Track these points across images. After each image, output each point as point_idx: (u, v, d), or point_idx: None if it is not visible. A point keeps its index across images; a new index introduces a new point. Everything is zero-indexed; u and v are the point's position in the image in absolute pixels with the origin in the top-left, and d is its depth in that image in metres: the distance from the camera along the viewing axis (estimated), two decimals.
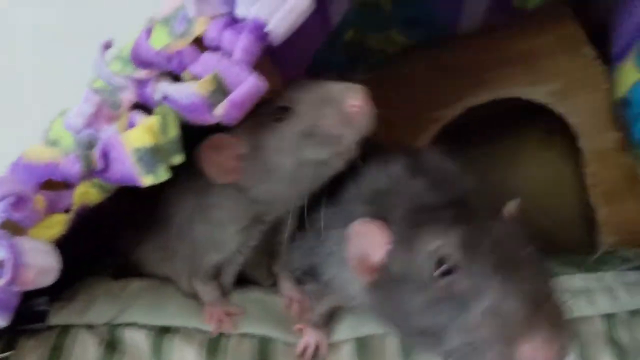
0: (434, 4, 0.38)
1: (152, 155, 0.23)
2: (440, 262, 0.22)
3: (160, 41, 0.24)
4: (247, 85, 0.23)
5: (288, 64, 0.32)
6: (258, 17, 0.22)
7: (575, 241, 0.44)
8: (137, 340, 0.28)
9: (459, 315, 0.21)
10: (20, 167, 0.24)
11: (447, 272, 0.21)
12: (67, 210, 0.24)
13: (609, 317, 0.32)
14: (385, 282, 0.23)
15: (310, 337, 0.29)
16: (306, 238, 0.28)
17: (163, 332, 0.28)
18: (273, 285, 0.32)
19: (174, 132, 0.23)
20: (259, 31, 0.23)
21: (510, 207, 0.26)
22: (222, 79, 0.23)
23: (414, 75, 0.44)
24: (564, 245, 0.45)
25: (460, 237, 0.22)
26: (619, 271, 0.33)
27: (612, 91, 0.38)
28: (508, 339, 0.20)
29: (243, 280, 0.33)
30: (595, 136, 0.41)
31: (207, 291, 0.30)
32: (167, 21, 0.24)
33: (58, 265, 0.22)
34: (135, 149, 0.23)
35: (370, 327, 0.30)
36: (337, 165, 0.26)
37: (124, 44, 0.25)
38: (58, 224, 0.23)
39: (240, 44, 0.23)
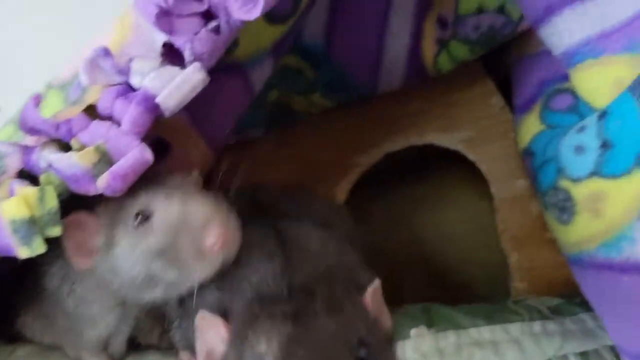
0: (351, 73, 0.39)
1: (28, 227, 0.22)
2: None
3: (53, 108, 0.24)
4: (132, 157, 0.22)
5: (212, 130, 0.33)
6: (148, 88, 0.22)
7: (494, 285, 0.44)
8: None
9: None
10: None
11: None
12: None
13: None
14: None
15: None
16: (184, 318, 0.27)
17: None
18: (170, 347, 0.30)
19: (52, 203, 0.22)
20: (149, 102, 0.22)
21: (369, 294, 0.26)
22: (107, 149, 0.23)
23: (333, 123, 0.45)
24: (484, 289, 0.46)
25: (282, 340, 0.22)
26: (525, 322, 0.34)
27: (516, 141, 0.39)
28: None
29: (138, 344, 0.30)
30: (504, 183, 0.42)
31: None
32: (63, 87, 0.24)
33: None
34: (11, 221, 0.22)
35: None
36: (187, 286, 0.25)
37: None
38: None
39: (129, 115, 0.22)
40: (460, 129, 0.43)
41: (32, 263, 0.24)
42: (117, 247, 0.25)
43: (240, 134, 0.44)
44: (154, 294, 0.26)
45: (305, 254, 0.27)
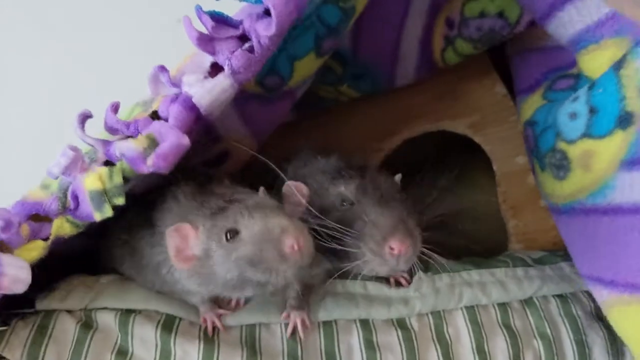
0: (374, 67, 0.46)
1: (100, 197, 0.29)
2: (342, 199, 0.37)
3: (132, 115, 0.31)
4: (171, 140, 0.29)
5: (264, 134, 0.42)
6: (188, 93, 0.30)
7: (499, 248, 0.50)
8: (107, 320, 0.34)
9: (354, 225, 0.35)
10: (19, 203, 0.31)
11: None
12: (46, 239, 0.30)
13: (502, 306, 0.39)
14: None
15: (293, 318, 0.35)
16: None
17: (128, 313, 0.34)
18: None
19: (118, 179, 0.30)
20: (188, 103, 0.29)
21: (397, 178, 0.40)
22: (155, 137, 0.29)
23: (358, 113, 0.52)
24: (491, 251, 0.51)
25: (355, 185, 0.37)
26: (509, 268, 0.40)
27: (519, 119, 0.45)
28: (381, 238, 0.34)
29: None
30: (505, 160, 0.48)
31: (201, 304, 0.36)
32: (145, 103, 0.32)
33: (29, 278, 0.28)
34: (89, 191, 0.29)
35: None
36: (277, 285, 0.31)
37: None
38: (37, 249, 0.30)
39: (172, 112, 0.29)
40: (468, 116, 0.50)
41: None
42: (213, 258, 0.31)
43: None
44: (244, 293, 0.33)
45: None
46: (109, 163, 0.31)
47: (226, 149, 0.41)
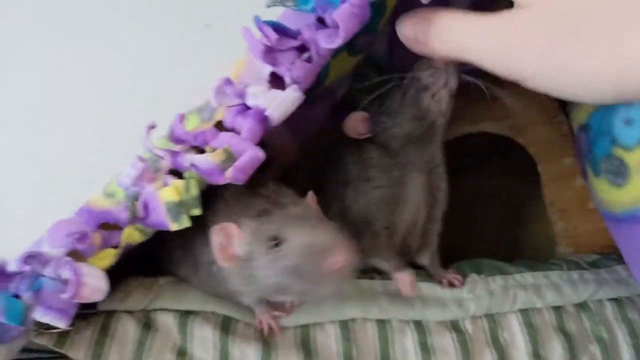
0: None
1: (177, 208, 0.30)
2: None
3: (192, 124, 0.32)
4: (249, 155, 0.30)
5: (306, 136, 0.43)
6: (259, 106, 0.30)
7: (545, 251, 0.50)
8: (166, 321, 0.34)
9: None
10: (85, 211, 0.32)
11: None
12: (115, 247, 0.31)
13: (556, 309, 0.38)
14: None
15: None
16: None
17: (187, 314, 0.34)
18: None
19: (194, 191, 0.30)
20: (260, 116, 0.30)
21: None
22: (231, 151, 0.30)
23: None
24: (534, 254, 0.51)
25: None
26: (564, 271, 0.40)
27: (570, 121, 0.45)
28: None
29: None
30: (550, 162, 0.48)
31: (256, 305, 0.36)
32: (200, 110, 0.32)
33: (107, 287, 0.29)
34: (166, 202, 0.30)
35: None
36: (316, 297, 0.32)
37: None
38: (109, 257, 0.31)
39: (246, 126, 0.30)
40: (510, 117, 0.49)
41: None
42: (256, 262, 0.31)
43: None
44: (285, 298, 0.34)
45: None
46: (174, 172, 0.31)
47: (271, 155, 0.42)
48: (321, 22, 0.30)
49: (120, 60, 0.56)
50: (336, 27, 0.28)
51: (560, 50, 0.24)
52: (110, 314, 0.34)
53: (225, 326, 0.35)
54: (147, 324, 0.34)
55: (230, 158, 0.30)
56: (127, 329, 0.33)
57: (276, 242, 0.30)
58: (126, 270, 0.37)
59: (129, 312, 0.35)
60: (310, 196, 0.34)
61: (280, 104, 0.30)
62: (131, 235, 0.31)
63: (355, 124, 0.40)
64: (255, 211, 0.32)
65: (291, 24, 0.30)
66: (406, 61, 0.46)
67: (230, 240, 0.31)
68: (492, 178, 0.54)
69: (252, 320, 0.35)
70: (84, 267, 0.29)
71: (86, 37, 0.56)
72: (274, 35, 0.29)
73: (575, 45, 0.24)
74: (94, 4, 0.57)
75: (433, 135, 0.39)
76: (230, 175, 0.29)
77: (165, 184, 0.31)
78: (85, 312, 0.34)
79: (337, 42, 0.29)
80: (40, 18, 0.56)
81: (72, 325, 0.33)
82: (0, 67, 0.55)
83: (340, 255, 0.29)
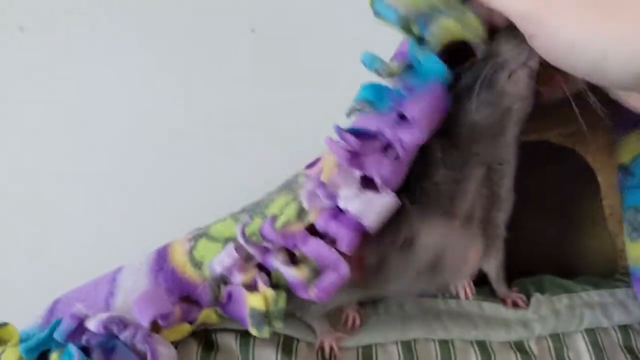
0: None
1: (261, 318, 0.30)
2: None
3: (285, 219, 0.31)
4: (330, 277, 0.29)
5: None
6: (355, 212, 0.29)
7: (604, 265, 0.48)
8: (228, 342, 0.34)
9: None
10: (170, 273, 0.32)
11: None
12: (191, 322, 0.32)
13: (623, 328, 0.37)
14: None
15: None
16: None
17: (247, 335, 0.34)
18: None
19: (282, 304, 0.30)
20: (354, 223, 0.29)
21: None
22: (316, 266, 0.30)
23: None
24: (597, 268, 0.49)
25: None
26: (630, 288, 0.38)
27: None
28: None
29: None
30: (609, 172, 0.46)
31: (318, 324, 0.36)
32: (288, 190, 0.32)
33: (176, 356, 0.30)
34: (251, 308, 0.30)
35: None
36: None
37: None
38: (183, 331, 0.31)
39: (346, 239, 0.29)
40: (568, 125, 0.48)
41: None
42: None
43: None
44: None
45: None
46: (262, 268, 0.31)
47: None
48: (402, 117, 0.29)
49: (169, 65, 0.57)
50: (417, 120, 0.28)
51: None
52: None
53: (288, 347, 0.35)
54: (209, 345, 0.34)
55: (314, 275, 0.29)
56: (189, 351, 0.33)
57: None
58: None
59: (192, 333, 0.35)
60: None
61: (375, 210, 0.29)
62: (209, 316, 0.31)
63: None
64: None
65: (371, 124, 0.30)
66: None
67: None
68: (546, 187, 0.52)
69: (314, 340, 0.35)
70: (158, 343, 0.29)
71: (136, 43, 0.57)
72: (356, 142, 0.29)
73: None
74: (141, 11, 0.58)
75: (507, 124, 0.33)
76: (313, 294, 0.29)
77: (254, 283, 0.31)
78: None
79: (419, 139, 0.28)
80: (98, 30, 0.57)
81: None
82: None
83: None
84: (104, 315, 0.29)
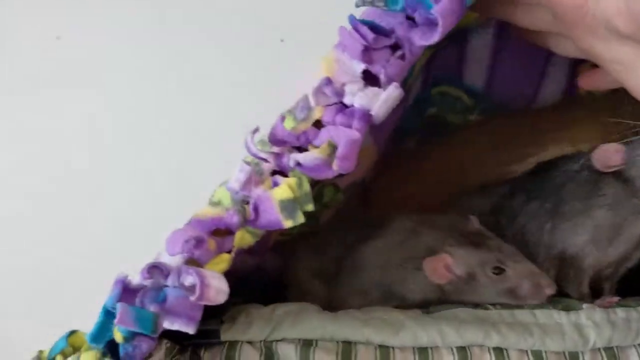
0: (508, 104, 0.48)
1: (292, 205, 0.31)
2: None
3: (288, 125, 0.33)
4: (344, 141, 0.30)
5: (383, 139, 0.43)
6: (361, 105, 0.30)
7: None
8: (288, 352, 0.35)
9: None
10: (195, 221, 0.33)
11: None
12: (229, 251, 0.32)
13: None
14: None
15: None
16: None
17: (308, 345, 0.35)
18: None
19: (306, 187, 0.31)
20: (367, 117, 0.31)
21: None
22: (334, 143, 0.31)
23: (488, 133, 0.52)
24: None
25: None
26: None
27: None
28: None
29: None
30: None
31: None
32: (291, 111, 0.33)
33: (228, 289, 0.30)
34: (280, 201, 0.31)
35: None
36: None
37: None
38: (224, 261, 0.31)
39: (354, 124, 0.30)
40: (581, 142, 0.47)
41: None
42: (477, 282, 0.38)
43: (397, 144, 0.51)
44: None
45: None
46: (277, 173, 0.33)
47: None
48: (413, 20, 0.30)
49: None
50: (430, 24, 0.29)
51: None
52: (232, 344, 0.35)
53: (346, 353, 0.35)
54: (269, 355, 0.35)
55: (334, 151, 0.30)
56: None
57: (499, 270, 0.38)
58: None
59: (250, 343, 0.35)
60: (474, 219, 0.40)
61: (384, 102, 0.30)
62: (243, 238, 0.32)
63: (608, 155, 0.38)
64: (460, 242, 0.39)
65: (382, 21, 0.31)
66: (505, 95, 0.46)
67: (441, 262, 0.38)
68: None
69: (368, 342, 0.35)
70: (206, 271, 0.30)
71: (171, 50, 0.59)
72: (370, 35, 0.30)
73: None
74: (172, 22, 0.60)
75: None
76: (337, 167, 0.30)
77: (275, 184, 0.32)
78: (210, 343, 0.35)
79: (434, 38, 0.29)
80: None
81: (197, 355, 0.34)
82: None
83: (547, 282, 0.38)
84: (144, 266, 0.29)
